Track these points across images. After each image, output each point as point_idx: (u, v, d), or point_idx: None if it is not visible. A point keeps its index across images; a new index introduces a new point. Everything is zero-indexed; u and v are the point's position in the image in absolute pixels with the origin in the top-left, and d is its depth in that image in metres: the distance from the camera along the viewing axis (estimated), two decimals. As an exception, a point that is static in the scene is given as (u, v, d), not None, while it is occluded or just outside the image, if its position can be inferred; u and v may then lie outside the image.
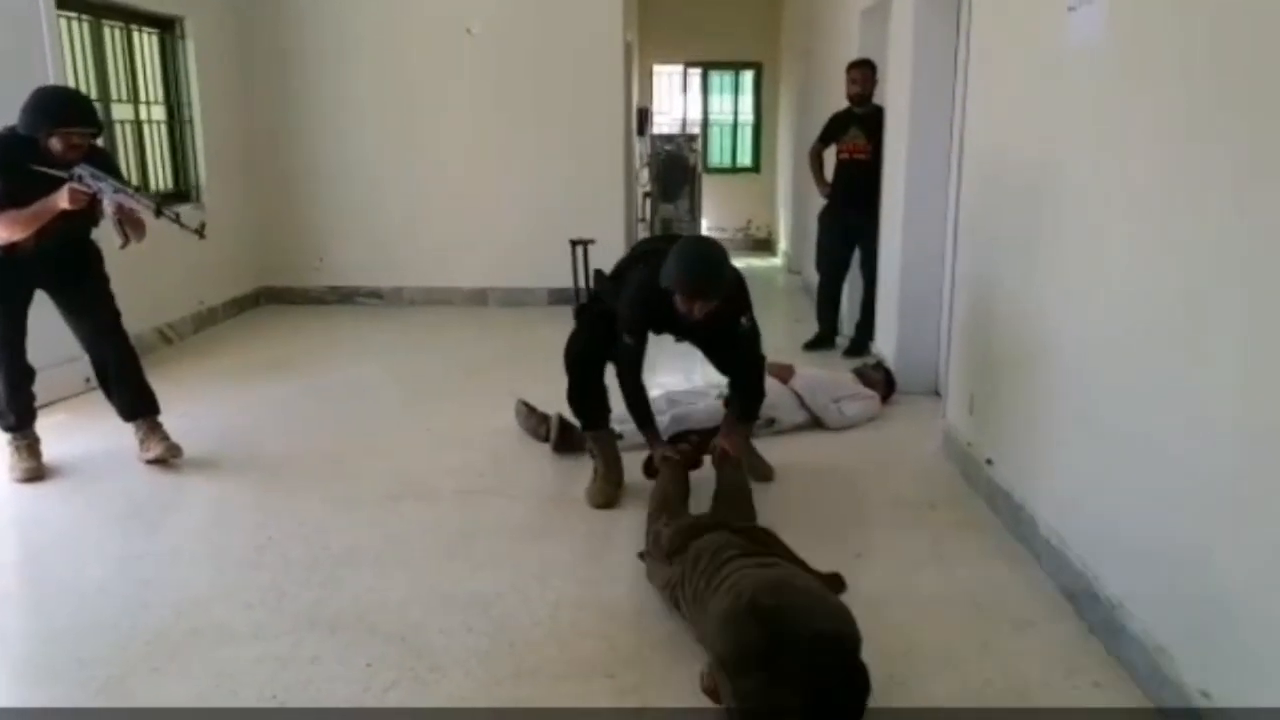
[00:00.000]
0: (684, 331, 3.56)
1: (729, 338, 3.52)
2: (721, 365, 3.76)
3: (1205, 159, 2.14)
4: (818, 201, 6.19)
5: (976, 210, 3.76)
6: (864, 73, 5.60)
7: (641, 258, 3.55)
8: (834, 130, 5.86)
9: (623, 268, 3.67)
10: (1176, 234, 2.26)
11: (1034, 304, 3.14)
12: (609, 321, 3.53)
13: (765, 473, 3.78)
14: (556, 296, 7.37)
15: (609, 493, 3.58)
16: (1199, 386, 2.16)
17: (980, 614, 2.77)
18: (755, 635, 2.14)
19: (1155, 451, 2.35)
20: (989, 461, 3.52)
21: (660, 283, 3.22)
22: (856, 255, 5.85)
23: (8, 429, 3.87)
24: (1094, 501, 2.69)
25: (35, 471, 3.83)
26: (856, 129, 5.68)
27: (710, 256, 3.26)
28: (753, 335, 3.55)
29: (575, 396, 3.69)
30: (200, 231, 3.62)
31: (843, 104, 5.82)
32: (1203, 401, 2.14)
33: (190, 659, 2.55)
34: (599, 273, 3.86)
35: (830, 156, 5.98)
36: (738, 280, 3.41)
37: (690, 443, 3.77)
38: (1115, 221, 2.57)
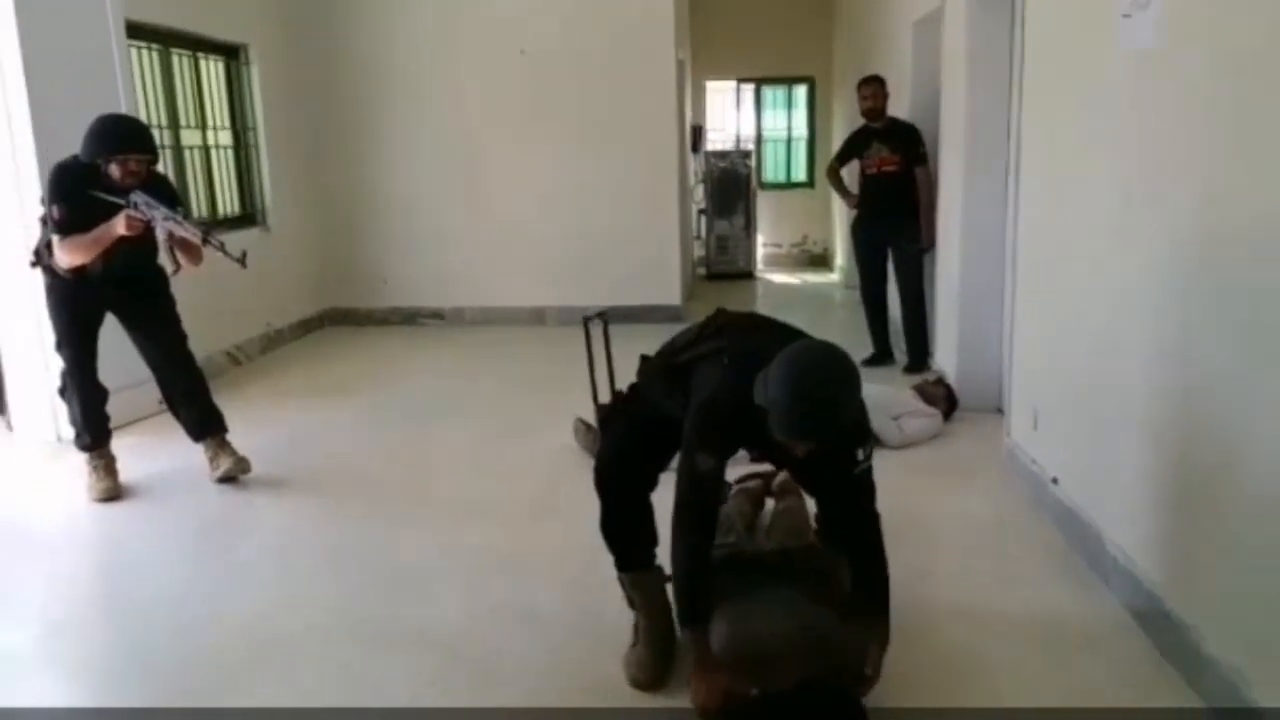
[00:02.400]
0: (774, 456, 2.59)
1: (832, 473, 2.45)
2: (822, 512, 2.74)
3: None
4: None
5: (1038, 222, 3.71)
6: (874, 89, 5.77)
7: (711, 355, 2.47)
8: (854, 148, 5.96)
9: (681, 356, 2.55)
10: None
11: (1097, 317, 3.09)
12: (654, 427, 2.57)
13: None
14: (614, 315, 7.38)
15: (655, 665, 2.55)
16: (1267, 391, 2.11)
17: (1046, 634, 2.72)
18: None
19: (1226, 466, 2.30)
20: (1054, 480, 3.46)
21: (754, 398, 2.24)
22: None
23: (85, 449, 3.99)
24: (1163, 520, 2.63)
25: (112, 491, 3.95)
26: (879, 143, 5.77)
27: (830, 388, 2.19)
28: (868, 477, 2.44)
29: (609, 526, 2.68)
30: (242, 261, 3.63)
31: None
32: (1274, 412, 2.10)
33: (259, 672, 2.62)
34: (644, 360, 2.74)
35: (853, 171, 6.06)
36: (860, 409, 2.35)
37: (759, 480, 3.55)
38: (1152, 226, 2.53)
